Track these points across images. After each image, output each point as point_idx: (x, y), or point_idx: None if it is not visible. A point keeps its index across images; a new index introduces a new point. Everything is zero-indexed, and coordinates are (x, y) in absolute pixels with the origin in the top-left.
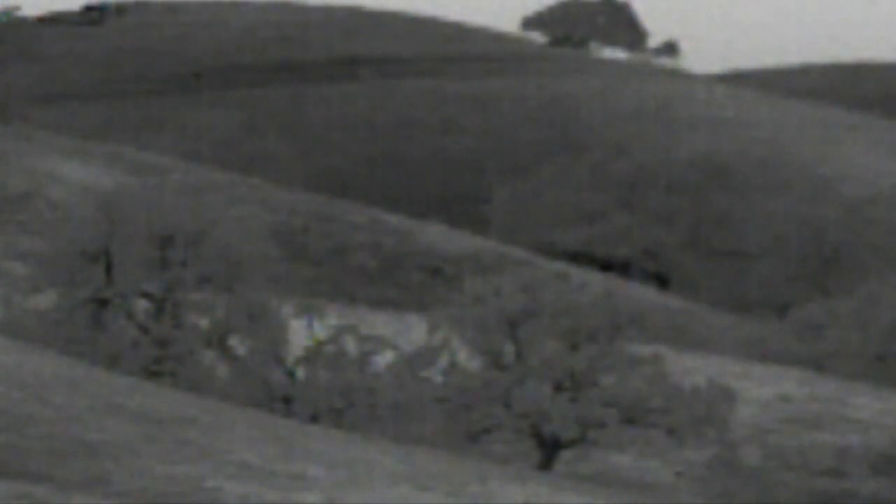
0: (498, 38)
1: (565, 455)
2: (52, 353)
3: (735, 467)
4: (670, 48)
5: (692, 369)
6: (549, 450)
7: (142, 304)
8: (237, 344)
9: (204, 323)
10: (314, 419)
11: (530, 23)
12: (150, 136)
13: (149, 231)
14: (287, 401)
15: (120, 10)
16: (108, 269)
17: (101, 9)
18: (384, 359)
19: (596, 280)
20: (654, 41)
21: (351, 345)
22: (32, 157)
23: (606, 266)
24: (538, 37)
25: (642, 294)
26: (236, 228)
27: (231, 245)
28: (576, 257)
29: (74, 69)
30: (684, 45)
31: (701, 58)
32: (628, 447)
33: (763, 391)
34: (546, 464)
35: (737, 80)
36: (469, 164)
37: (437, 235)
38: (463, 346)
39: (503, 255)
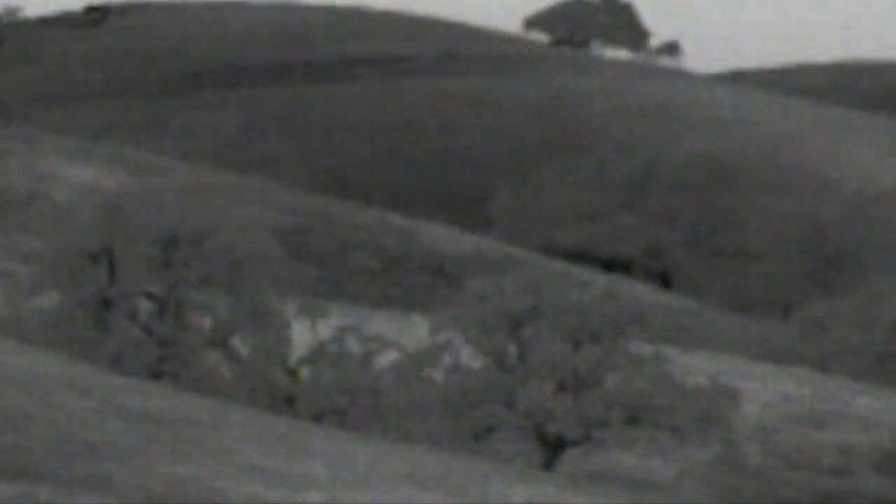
0: (500, 38)
1: (569, 454)
2: (54, 354)
3: (738, 466)
4: (672, 48)
5: (695, 368)
6: (552, 449)
7: (145, 305)
8: (240, 344)
9: (207, 323)
10: (317, 419)
11: (532, 23)
12: (153, 136)
13: (151, 231)
14: (290, 401)
15: (122, 10)
16: (111, 269)
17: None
18: (387, 359)
19: (598, 279)
20: (655, 41)
21: (354, 345)
22: (35, 158)
23: (609, 265)
24: (540, 37)
25: (645, 293)
26: (239, 229)
27: (234, 245)
28: (578, 257)
29: (76, 70)
30: (686, 45)
31: (703, 58)
32: (632, 446)
33: (766, 390)
34: (550, 463)
35: (738, 79)
36: (471, 163)
37: (439, 235)
38: (466, 346)
39: (506, 254)
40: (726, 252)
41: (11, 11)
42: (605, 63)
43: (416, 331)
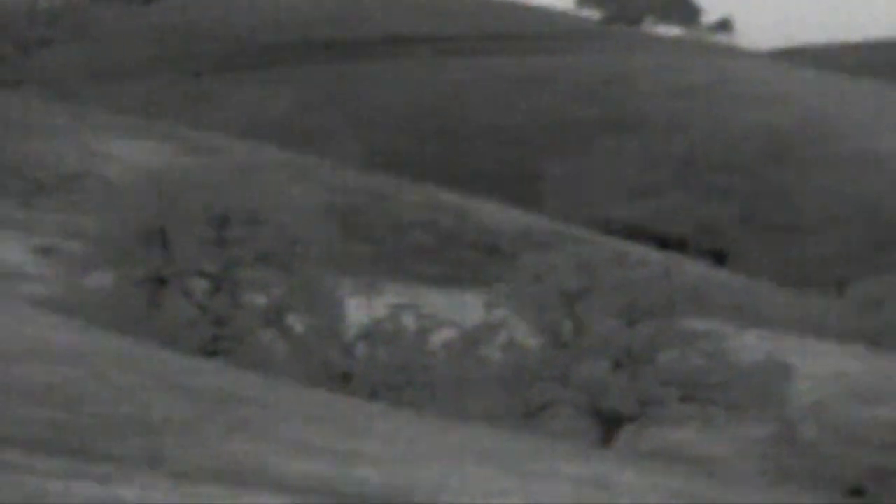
0: (552, 15)
1: (624, 431)
2: (109, 332)
3: (793, 442)
4: (725, 25)
5: (750, 345)
6: (607, 426)
7: (199, 283)
8: (295, 322)
9: (261, 301)
10: (373, 396)
11: (585, 0)
12: (204, 114)
13: (205, 210)
14: (346, 378)
15: None
16: (165, 247)
17: None
18: (442, 336)
19: (653, 257)
20: (708, 18)
21: (409, 322)
22: (86, 135)
23: (662, 242)
24: (592, 14)
25: (699, 270)
26: (292, 207)
27: (287, 224)
28: (631, 234)
29: (128, 47)
30: (739, 22)
31: (755, 34)
32: (687, 423)
33: (820, 366)
34: (605, 440)
35: (791, 56)
36: (523, 141)
37: (493, 213)
38: (521, 324)
39: (559, 232)
40: (780, 228)
41: None
42: (657, 40)
43: (470, 308)
